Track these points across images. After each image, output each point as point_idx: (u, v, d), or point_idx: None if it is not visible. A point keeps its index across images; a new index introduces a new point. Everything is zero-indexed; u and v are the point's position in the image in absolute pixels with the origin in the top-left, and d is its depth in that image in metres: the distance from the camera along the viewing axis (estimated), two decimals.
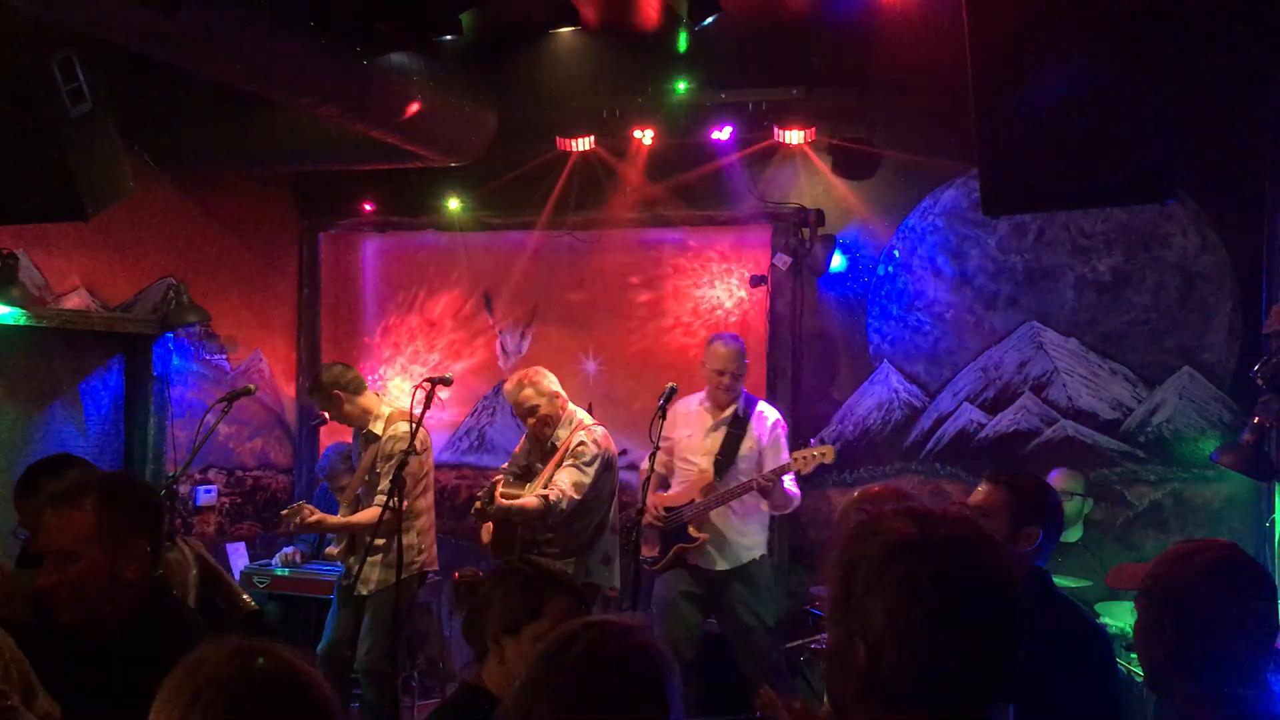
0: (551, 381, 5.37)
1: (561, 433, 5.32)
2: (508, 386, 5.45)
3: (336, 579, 5.61)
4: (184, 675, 1.54)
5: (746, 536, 5.46)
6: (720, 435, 5.46)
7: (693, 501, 5.39)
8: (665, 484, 5.62)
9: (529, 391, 5.29)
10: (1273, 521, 5.01)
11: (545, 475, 5.25)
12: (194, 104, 5.83)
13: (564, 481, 5.11)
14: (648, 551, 5.47)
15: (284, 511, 5.33)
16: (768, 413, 5.54)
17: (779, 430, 5.50)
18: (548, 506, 5.05)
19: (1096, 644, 2.96)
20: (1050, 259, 5.96)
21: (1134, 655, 4.81)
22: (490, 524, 5.31)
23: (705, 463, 5.45)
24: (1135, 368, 5.84)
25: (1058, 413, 5.96)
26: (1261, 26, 5.20)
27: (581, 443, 5.22)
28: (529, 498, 5.10)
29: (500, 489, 5.18)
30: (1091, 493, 5.61)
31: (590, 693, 1.70)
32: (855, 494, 2.91)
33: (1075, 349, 5.94)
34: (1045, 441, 5.96)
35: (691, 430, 5.52)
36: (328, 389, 5.44)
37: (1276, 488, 4.88)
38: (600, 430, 5.34)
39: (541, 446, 5.40)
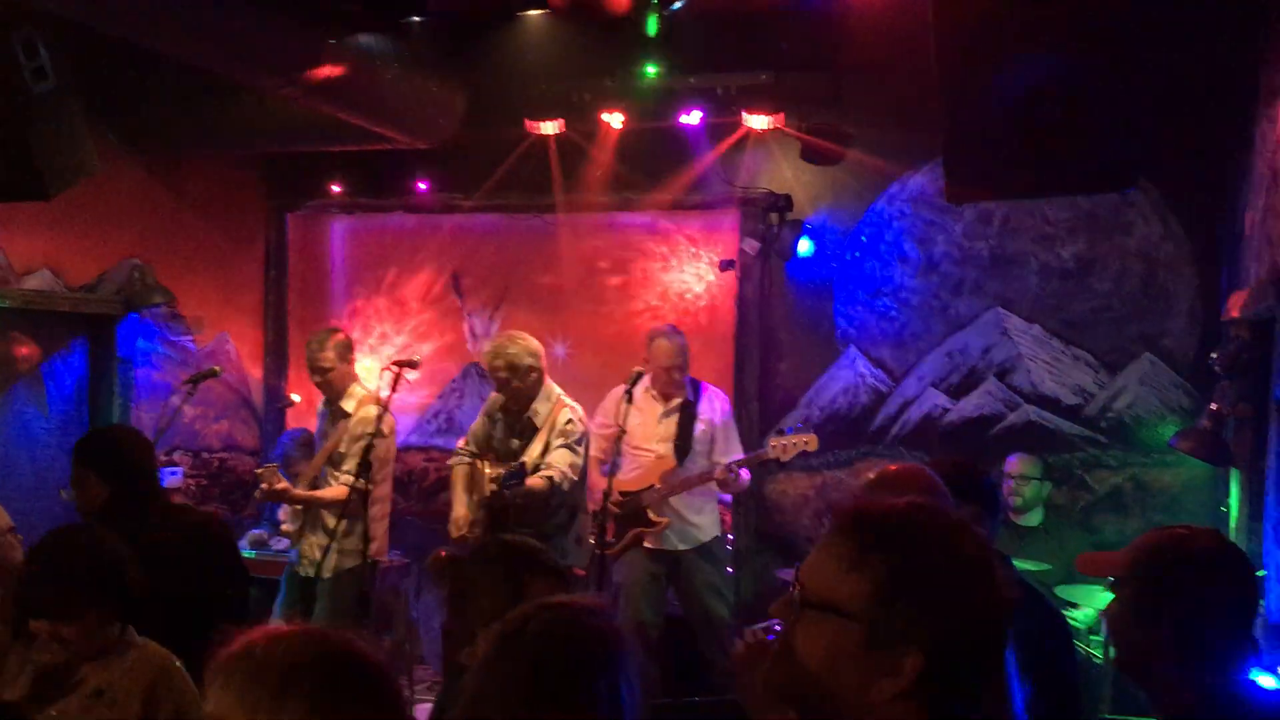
0: (537, 345, 5.26)
1: (540, 407, 5.25)
2: (490, 345, 5.30)
3: (287, 565, 5.51)
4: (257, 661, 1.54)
5: (702, 515, 5.54)
6: (674, 421, 5.50)
7: (652, 487, 5.43)
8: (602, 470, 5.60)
9: (521, 350, 5.16)
10: (1227, 507, 5.10)
11: (532, 455, 5.18)
12: (161, 84, 5.78)
13: (562, 462, 5.08)
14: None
15: (258, 469, 5.33)
16: (715, 395, 5.62)
17: (726, 410, 5.59)
18: (552, 487, 5.02)
19: (1055, 628, 3.00)
20: (1015, 246, 6.02)
21: (1094, 639, 4.90)
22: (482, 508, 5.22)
23: (663, 448, 5.48)
24: (1097, 353, 5.92)
25: (1021, 398, 6.02)
26: (1226, 16, 5.25)
27: (570, 420, 5.19)
28: (536, 479, 5.02)
29: (489, 469, 5.18)
30: (1052, 477, 5.68)
31: (545, 673, 1.71)
32: (873, 476, 2.85)
33: (1039, 335, 6.00)
34: (1009, 426, 6.03)
35: (642, 418, 5.49)
36: (344, 351, 5.37)
37: (1233, 474, 4.95)
38: (578, 407, 5.33)
39: (516, 421, 5.32)
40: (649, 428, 5.51)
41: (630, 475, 5.51)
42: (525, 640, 1.75)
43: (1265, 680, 3.31)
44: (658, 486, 5.42)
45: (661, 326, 5.68)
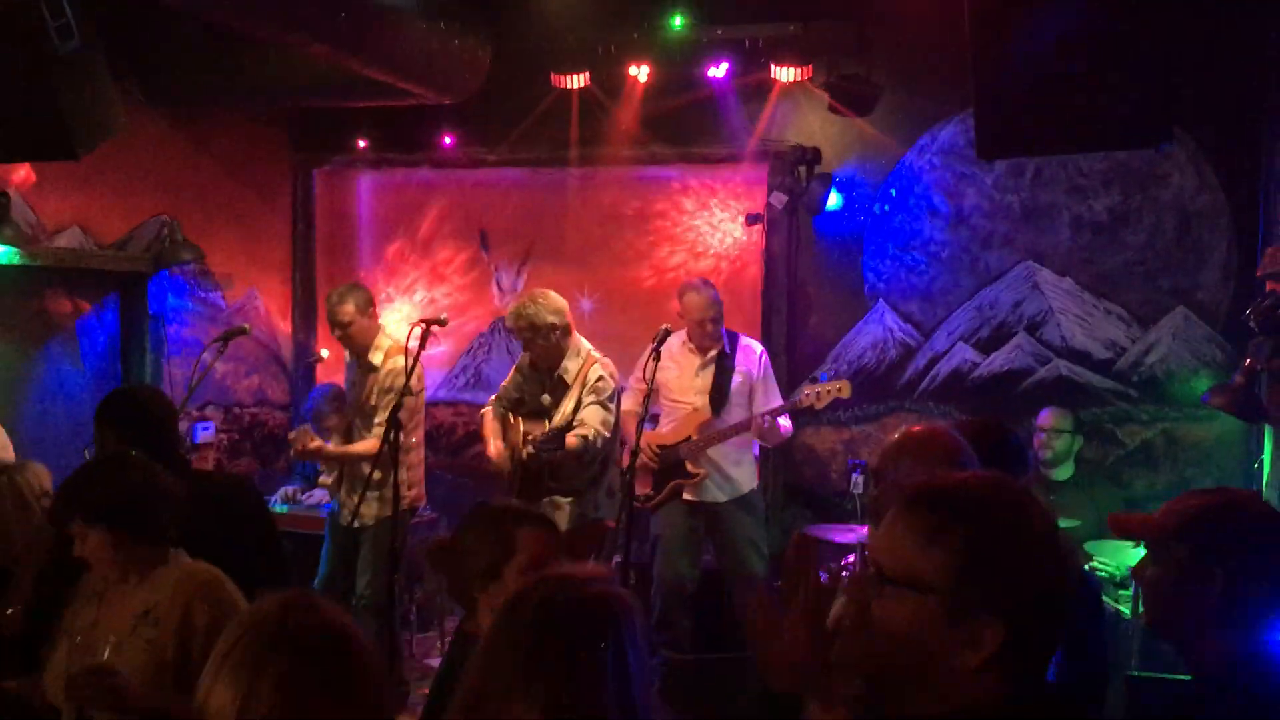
0: (561, 303, 5.25)
1: (570, 364, 5.24)
2: (514, 306, 5.27)
3: (328, 514, 5.64)
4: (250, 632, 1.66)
5: (741, 467, 5.58)
6: (710, 373, 5.52)
7: (689, 439, 5.49)
8: (642, 423, 5.63)
9: (541, 309, 5.13)
10: (1261, 463, 5.05)
11: (564, 412, 5.21)
12: (186, 40, 5.75)
13: (594, 419, 5.09)
14: (640, 489, 5.53)
15: (291, 434, 5.43)
16: (754, 346, 5.63)
17: (765, 362, 5.60)
18: (586, 445, 5.04)
19: (1084, 592, 2.99)
20: (1047, 198, 5.94)
21: (1123, 594, 4.89)
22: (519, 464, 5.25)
23: (699, 400, 5.52)
24: (1130, 307, 5.85)
25: (1051, 352, 5.98)
26: None
27: (600, 377, 5.19)
28: (570, 438, 5.03)
29: (524, 425, 5.22)
30: (1083, 431, 5.64)
31: (547, 643, 1.73)
32: (897, 436, 2.84)
33: (1070, 288, 5.94)
34: (1039, 381, 5.99)
35: (679, 370, 5.58)
36: (366, 305, 5.40)
37: (1266, 430, 4.91)
38: (609, 362, 5.33)
39: (545, 378, 5.33)
40: (686, 380, 5.56)
41: (668, 428, 5.59)
42: (528, 611, 1.76)
43: None
44: (694, 438, 5.47)
45: (693, 280, 5.67)
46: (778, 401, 5.51)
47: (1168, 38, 3.34)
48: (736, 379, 5.50)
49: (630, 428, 5.49)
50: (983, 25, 3.33)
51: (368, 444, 5.24)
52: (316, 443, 5.31)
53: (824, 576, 3.76)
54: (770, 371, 5.63)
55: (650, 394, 5.05)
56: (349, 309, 5.34)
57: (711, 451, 5.49)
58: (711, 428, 5.46)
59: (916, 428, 2.82)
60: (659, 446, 5.52)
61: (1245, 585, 2.06)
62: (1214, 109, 5.50)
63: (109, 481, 2.89)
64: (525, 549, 2.51)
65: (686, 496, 5.54)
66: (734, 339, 5.60)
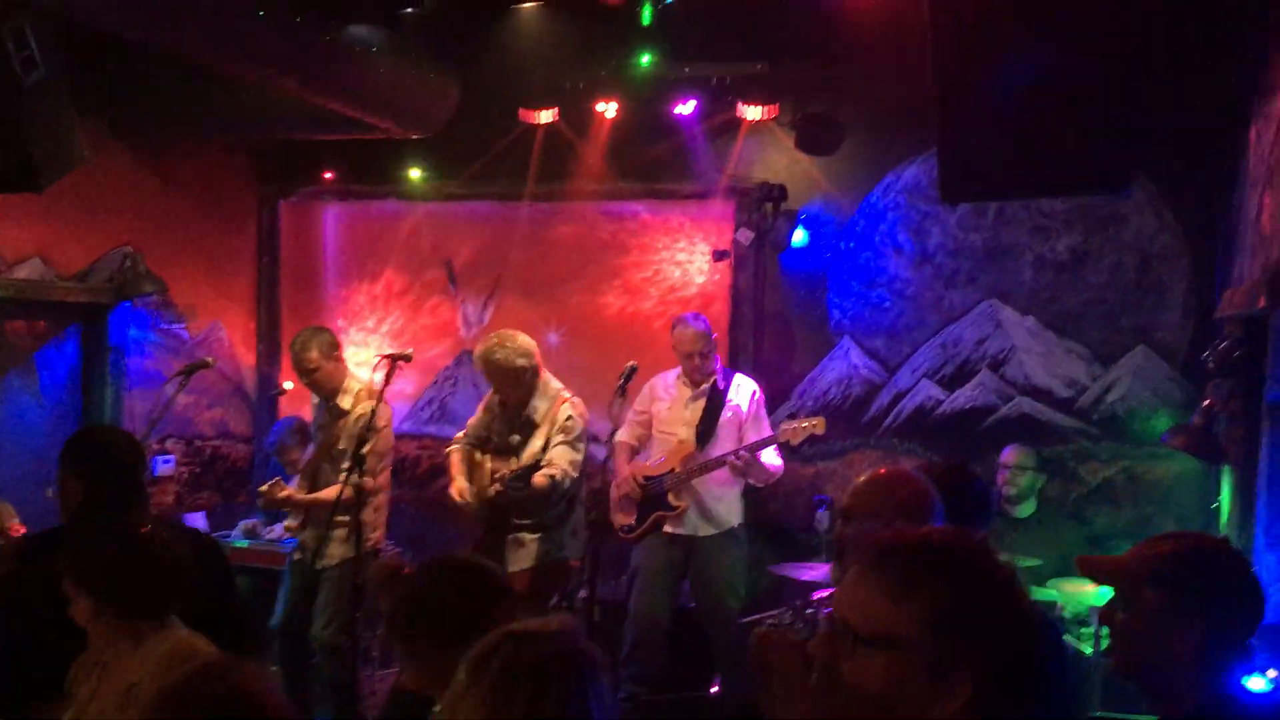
0: (529, 344, 5.24)
1: (539, 404, 5.23)
2: (481, 349, 5.24)
3: (289, 552, 5.56)
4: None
5: (724, 503, 5.59)
6: (700, 406, 5.57)
7: (673, 471, 5.52)
8: (635, 454, 5.75)
9: (510, 353, 5.11)
10: (1219, 504, 5.11)
11: (533, 451, 5.19)
12: (151, 72, 5.72)
13: (563, 460, 5.09)
14: (624, 520, 5.63)
15: (262, 489, 5.34)
16: (746, 384, 5.66)
17: (758, 399, 5.62)
18: (554, 485, 5.03)
19: (1045, 631, 3.01)
20: (1010, 237, 6.01)
21: (1084, 631, 4.92)
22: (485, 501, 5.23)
23: (685, 433, 5.56)
24: (1091, 346, 5.92)
25: (1014, 389, 6.03)
26: (1223, 11, 5.23)
27: (570, 417, 5.20)
28: (538, 477, 5.03)
29: (489, 462, 5.20)
30: (1045, 469, 5.69)
31: (513, 700, 1.72)
32: (863, 480, 2.86)
33: (1033, 327, 6.00)
34: (1002, 418, 6.04)
35: (670, 402, 5.66)
36: (330, 349, 5.32)
37: (1225, 470, 4.97)
38: (579, 402, 5.34)
39: (514, 417, 5.31)
40: (676, 412, 5.63)
41: (655, 459, 5.63)
42: (494, 667, 1.76)
43: (1255, 681, 3.35)
44: (677, 470, 5.49)
45: (684, 315, 5.76)
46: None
47: (1129, 87, 3.40)
48: (726, 414, 5.54)
49: (621, 459, 5.61)
50: (947, 72, 3.37)
51: (335, 489, 5.14)
52: (286, 492, 5.26)
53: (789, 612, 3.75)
54: (762, 409, 5.64)
55: (614, 432, 5.06)
56: (313, 355, 5.27)
57: (697, 485, 5.51)
58: (694, 460, 5.47)
59: (884, 470, 2.84)
60: (644, 478, 5.57)
61: (1220, 632, 2.09)
62: (1174, 152, 5.59)
63: (93, 551, 2.83)
64: (499, 621, 2.35)
65: (667, 529, 5.56)
66: (729, 375, 5.65)
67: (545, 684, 1.75)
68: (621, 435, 5.63)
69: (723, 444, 5.51)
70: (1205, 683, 2.08)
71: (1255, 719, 2.11)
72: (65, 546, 2.87)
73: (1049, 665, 2.73)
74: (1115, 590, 2.24)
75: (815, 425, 5.28)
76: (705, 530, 5.54)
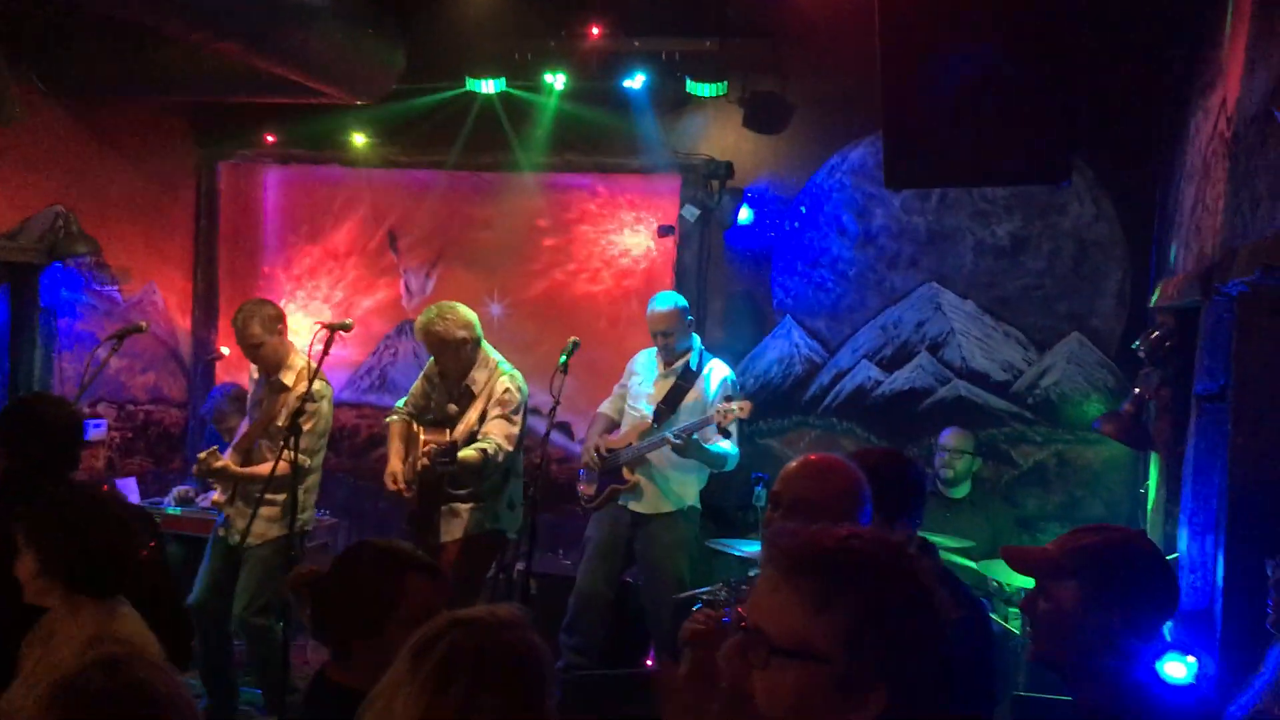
0: (470, 315, 5.21)
1: (478, 375, 5.22)
2: (421, 320, 5.22)
3: (213, 529, 5.41)
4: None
5: (679, 483, 5.59)
6: (668, 384, 5.60)
7: (630, 445, 5.56)
8: (615, 427, 5.79)
9: (450, 325, 5.10)
10: (1146, 489, 5.22)
11: (469, 422, 5.18)
12: (88, 28, 5.58)
13: (498, 433, 5.05)
14: (586, 490, 5.71)
15: (201, 455, 5.18)
16: (719, 369, 5.64)
17: (727, 385, 5.57)
18: (485, 459, 4.99)
19: (972, 611, 3.07)
20: (951, 221, 6.07)
21: (1013, 610, 5.02)
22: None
23: (649, 409, 5.60)
24: (1027, 331, 6.01)
25: (951, 372, 6.11)
26: (1166, 6, 5.30)
27: (507, 389, 5.17)
28: (470, 450, 5.00)
29: (424, 436, 5.15)
30: (980, 452, 5.78)
31: (452, 690, 1.70)
32: (795, 464, 2.88)
33: (972, 311, 6.07)
34: (939, 400, 6.11)
35: (643, 377, 5.71)
36: (274, 323, 5.20)
37: (1153, 456, 5.07)
38: (519, 375, 5.31)
39: (454, 388, 5.29)
40: (644, 388, 5.67)
41: (621, 432, 5.68)
42: (436, 655, 1.74)
43: (1176, 666, 3.44)
44: (634, 444, 5.54)
45: (663, 292, 5.81)
46: (734, 429, 5.51)
47: (1070, 80, 3.44)
48: (691, 395, 5.54)
49: (592, 430, 5.75)
50: (893, 62, 3.39)
51: (271, 465, 4.96)
52: (222, 462, 5.12)
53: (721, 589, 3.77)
54: (727, 394, 5.55)
55: (555, 407, 5.03)
56: (255, 330, 5.16)
57: (655, 462, 5.52)
58: (647, 438, 5.50)
59: (815, 456, 2.87)
60: (606, 450, 5.61)
61: (1136, 622, 2.16)
62: (1111, 142, 5.68)
63: (59, 515, 2.80)
64: (411, 597, 2.35)
65: (620, 502, 5.61)
66: (705, 359, 5.65)
67: (486, 675, 1.73)
68: (603, 407, 5.80)
69: (682, 424, 5.49)
70: (1121, 669, 2.15)
71: (1165, 705, 2.18)
72: (34, 504, 2.84)
73: (972, 660, 2.80)
74: (1036, 581, 2.29)
75: (741, 409, 5.25)
76: (656, 508, 5.56)
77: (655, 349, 5.70)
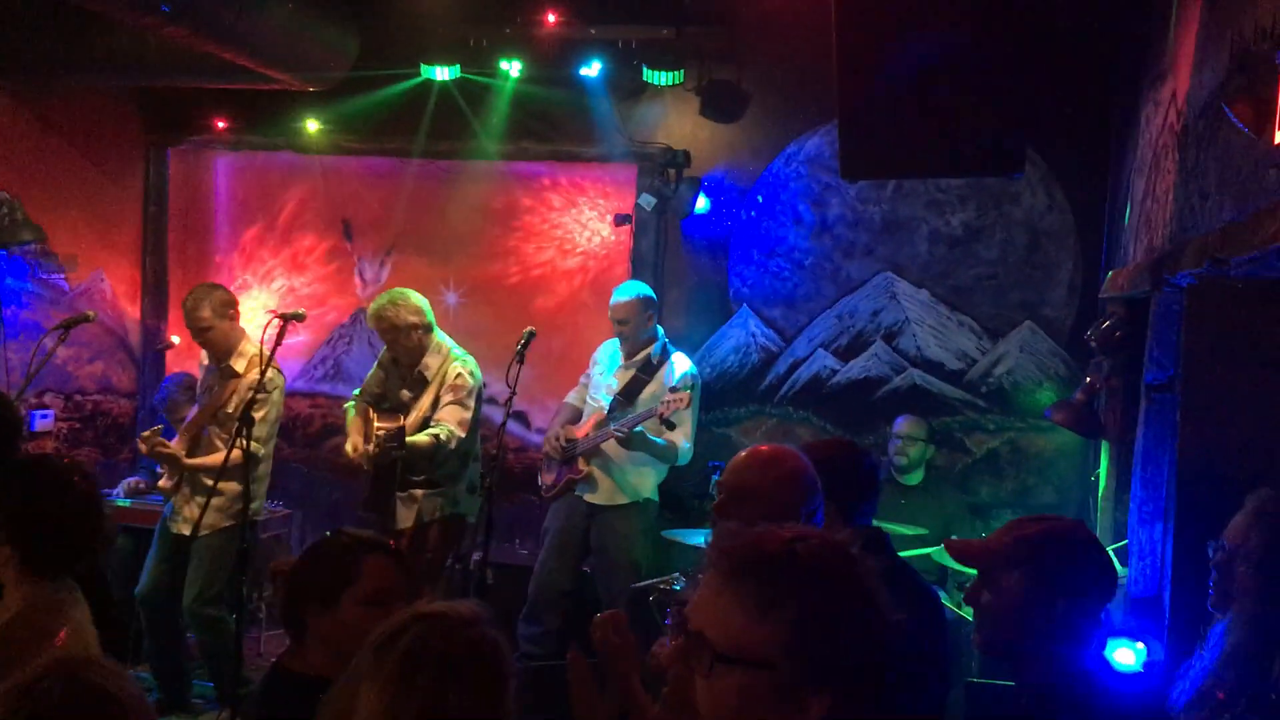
0: (422, 302, 5.27)
1: (430, 361, 5.27)
2: (373, 306, 5.26)
3: (161, 519, 5.34)
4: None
5: (635, 474, 5.60)
6: (628, 376, 5.61)
7: (587, 435, 5.55)
8: (579, 416, 5.78)
9: (400, 310, 5.16)
10: (1097, 476, 5.29)
11: (422, 408, 5.22)
12: (31, 11, 5.45)
13: (451, 418, 5.11)
14: (546, 478, 5.73)
15: (144, 434, 5.12)
16: (681, 362, 5.64)
17: (685, 378, 5.55)
18: (439, 445, 5.03)
19: (924, 600, 3.09)
20: (907, 211, 6.10)
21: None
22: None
23: (607, 400, 5.59)
24: (981, 320, 6.06)
25: (907, 361, 6.14)
26: None
27: (459, 374, 5.21)
28: (421, 436, 5.04)
29: (377, 422, 5.13)
30: (933, 439, 5.82)
31: (415, 687, 1.70)
32: (744, 455, 2.89)
33: (926, 300, 6.11)
34: (894, 389, 6.15)
35: (605, 368, 5.72)
36: (224, 308, 5.14)
37: (1103, 445, 5.13)
38: (472, 360, 5.35)
39: (407, 375, 5.33)
40: (606, 379, 5.67)
41: (582, 421, 5.68)
42: (398, 650, 1.73)
43: (1126, 652, 3.49)
44: (591, 434, 5.54)
45: (628, 281, 5.83)
46: (685, 420, 5.48)
47: (1023, 72, 3.46)
48: (650, 388, 5.54)
49: (556, 419, 5.77)
50: (849, 52, 3.39)
51: (220, 456, 4.91)
52: (170, 449, 5.06)
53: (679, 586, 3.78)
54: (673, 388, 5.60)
55: (512, 397, 5.01)
56: (205, 314, 5.10)
57: (612, 454, 5.51)
58: (601, 429, 5.49)
59: (765, 447, 2.88)
60: (566, 439, 5.61)
61: (1079, 609, 2.19)
62: (1064, 132, 5.73)
63: (15, 485, 2.74)
64: (368, 577, 2.40)
65: (578, 493, 5.61)
66: (668, 352, 5.64)
67: (448, 673, 1.73)
68: (569, 397, 5.82)
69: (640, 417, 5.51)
70: (1066, 656, 2.18)
71: (1112, 690, 2.23)
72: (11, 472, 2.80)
73: (924, 652, 2.82)
74: (979, 572, 2.31)
75: (678, 400, 5.26)
76: (611, 499, 5.57)
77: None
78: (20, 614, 2.63)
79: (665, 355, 5.63)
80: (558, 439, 5.64)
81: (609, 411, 5.54)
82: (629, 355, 5.65)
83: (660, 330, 5.71)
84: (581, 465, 5.56)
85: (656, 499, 5.69)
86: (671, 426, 5.36)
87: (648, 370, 5.58)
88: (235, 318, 5.23)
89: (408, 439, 5.04)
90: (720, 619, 1.42)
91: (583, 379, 5.88)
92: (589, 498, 5.59)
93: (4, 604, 2.68)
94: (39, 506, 2.70)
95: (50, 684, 1.64)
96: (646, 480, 5.63)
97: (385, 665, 1.72)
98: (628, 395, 5.56)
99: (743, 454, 2.82)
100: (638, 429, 5.31)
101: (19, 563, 2.69)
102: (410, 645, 1.73)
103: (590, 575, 5.70)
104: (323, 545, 2.54)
